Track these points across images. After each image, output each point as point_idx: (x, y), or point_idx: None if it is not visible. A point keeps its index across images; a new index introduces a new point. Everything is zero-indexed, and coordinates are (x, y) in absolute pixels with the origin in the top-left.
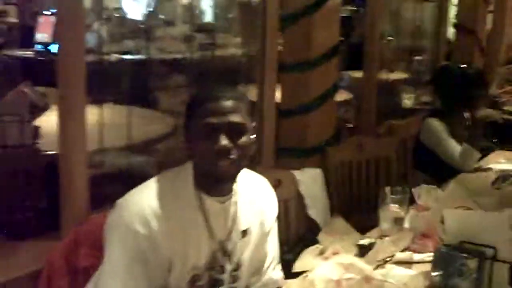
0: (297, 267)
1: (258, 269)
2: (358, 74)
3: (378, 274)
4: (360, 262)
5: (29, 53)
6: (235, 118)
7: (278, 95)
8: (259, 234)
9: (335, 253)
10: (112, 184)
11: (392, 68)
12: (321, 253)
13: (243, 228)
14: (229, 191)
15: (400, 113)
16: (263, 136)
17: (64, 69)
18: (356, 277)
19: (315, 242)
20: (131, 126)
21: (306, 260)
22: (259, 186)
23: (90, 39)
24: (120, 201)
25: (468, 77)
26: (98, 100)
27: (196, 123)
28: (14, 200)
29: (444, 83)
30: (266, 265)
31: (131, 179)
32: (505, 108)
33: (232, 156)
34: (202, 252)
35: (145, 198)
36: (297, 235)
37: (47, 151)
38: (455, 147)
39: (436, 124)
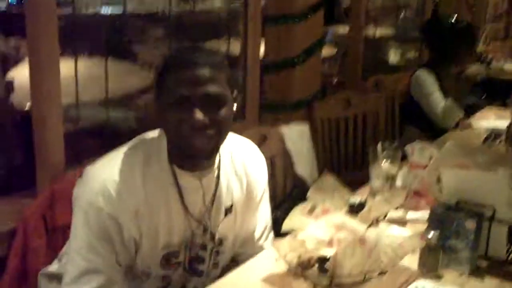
0: (286, 226)
1: (246, 240)
2: (344, 29)
3: (371, 234)
4: (352, 222)
5: (0, 5)
6: (212, 88)
7: (262, 49)
8: (245, 207)
9: (325, 211)
10: (89, 140)
11: (378, 24)
12: (311, 211)
13: (226, 205)
14: (208, 166)
15: (387, 69)
16: (247, 91)
17: (34, 19)
18: (348, 237)
19: (303, 198)
20: (108, 79)
21: (295, 218)
22: (246, 153)
23: None
24: (87, 171)
25: (458, 31)
26: (73, 53)
27: (168, 93)
28: None
29: (434, 36)
30: (257, 235)
31: (108, 135)
32: (492, 65)
33: (209, 132)
34: (176, 230)
35: (111, 171)
36: (284, 192)
37: (20, 105)
38: (439, 102)
39: (426, 76)
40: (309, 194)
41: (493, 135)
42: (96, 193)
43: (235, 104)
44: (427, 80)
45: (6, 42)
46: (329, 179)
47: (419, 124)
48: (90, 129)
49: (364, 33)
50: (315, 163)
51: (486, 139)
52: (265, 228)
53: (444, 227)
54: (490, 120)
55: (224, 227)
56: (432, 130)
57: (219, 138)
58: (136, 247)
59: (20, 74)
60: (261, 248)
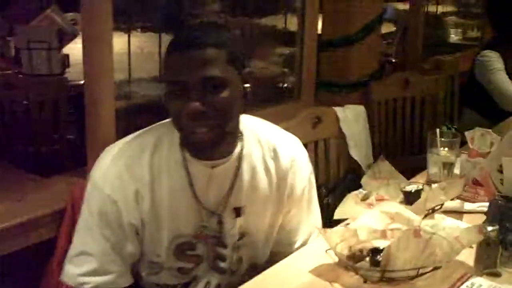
0: (338, 214)
1: (281, 241)
2: (404, 6)
3: (427, 225)
4: (407, 211)
5: None
6: (211, 71)
7: (319, 25)
8: (274, 203)
9: (379, 200)
10: (141, 117)
11: (440, 1)
12: (365, 199)
13: (246, 195)
14: (223, 154)
15: (447, 48)
16: (303, 70)
17: None
18: (403, 228)
19: (356, 184)
20: (161, 55)
21: (348, 206)
22: (281, 145)
23: None
24: (101, 154)
25: None
26: (128, 28)
27: (166, 79)
28: (41, 132)
29: (498, 14)
30: (298, 241)
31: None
32: None
33: (208, 121)
34: (185, 219)
35: (119, 152)
36: (337, 176)
37: (76, 81)
38: (507, 83)
39: (491, 56)
40: (363, 180)
41: None
42: (101, 173)
43: (248, 85)
44: (493, 61)
45: (63, 16)
46: (385, 166)
47: (479, 107)
48: (142, 106)
49: (425, 10)
50: (370, 146)
51: None
52: (309, 235)
53: (505, 221)
54: None
55: (242, 223)
56: (492, 115)
57: (223, 125)
58: (139, 233)
59: (76, 49)
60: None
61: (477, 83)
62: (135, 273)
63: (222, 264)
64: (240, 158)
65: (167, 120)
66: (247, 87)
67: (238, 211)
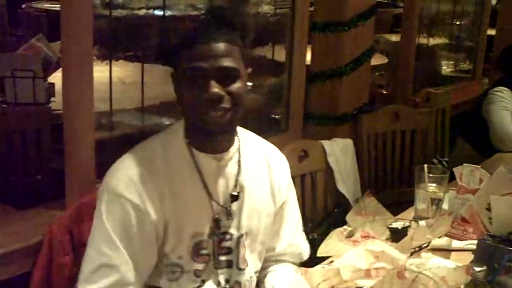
0: (321, 251)
1: (270, 245)
2: (396, 37)
3: (412, 264)
4: (392, 250)
5: (57, 6)
6: (227, 62)
7: (308, 57)
8: (267, 201)
9: (365, 237)
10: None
11: (432, 33)
12: (350, 235)
13: (248, 189)
14: (226, 147)
15: (439, 80)
16: (291, 102)
17: (68, 21)
18: (387, 267)
19: (343, 219)
20: (147, 85)
21: (332, 243)
22: (268, 150)
23: None
24: (112, 166)
25: None
26: (109, 56)
27: (184, 67)
28: (23, 162)
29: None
30: (289, 236)
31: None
32: None
33: (224, 105)
34: (204, 217)
35: (133, 160)
36: (325, 211)
37: (61, 110)
38: (508, 123)
39: (505, 94)
40: (348, 217)
41: None
42: (119, 180)
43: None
44: (505, 99)
45: (50, 45)
46: (371, 201)
47: (474, 140)
48: (124, 138)
49: (416, 42)
50: (358, 180)
51: None
52: (296, 227)
53: (493, 261)
54: None
55: (247, 213)
56: (485, 149)
57: (235, 111)
58: (158, 239)
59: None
60: (297, 249)
61: (479, 116)
62: None
63: (228, 257)
64: (239, 153)
65: (161, 132)
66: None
67: (236, 197)
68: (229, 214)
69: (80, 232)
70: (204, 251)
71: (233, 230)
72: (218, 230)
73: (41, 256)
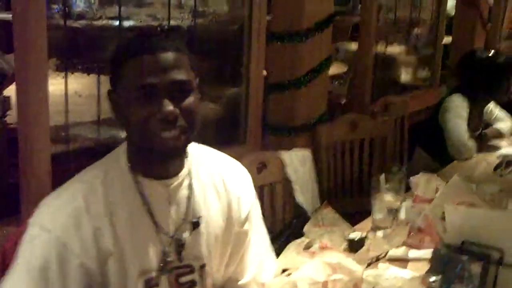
0: (280, 263)
1: (235, 277)
2: (355, 45)
3: (369, 275)
4: (349, 262)
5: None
6: (178, 75)
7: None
8: (225, 225)
9: (322, 248)
10: (79, 163)
11: (389, 42)
12: (308, 247)
13: (202, 215)
14: (176, 171)
15: (398, 89)
16: (249, 113)
17: (21, 32)
18: (344, 279)
19: (302, 230)
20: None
21: (289, 256)
22: (224, 167)
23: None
24: (46, 199)
25: (499, 68)
26: (65, 69)
27: (128, 84)
28: None
29: (472, 70)
30: (254, 268)
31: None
32: None
33: (179, 124)
34: (151, 250)
35: (67, 196)
36: (284, 222)
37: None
38: (463, 131)
39: (460, 102)
40: (306, 228)
41: (505, 162)
42: (50, 216)
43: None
44: (459, 107)
45: (5, 58)
46: (328, 212)
47: (431, 149)
48: (81, 151)
49: (374, 51)
50: (316, 191)
51: (497, 166)
52: (260, 262)
53: (447, 270)
54: (501, 146)
55: (203, 242)
56: (443, 158)
57: (190, 130)
58: (100, 280)
59: None
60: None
61: (436, 124)
62: None
63: None
64: (190, 176)
65: (100, 160)
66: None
67: (196, 224)
68: (181, 245)
69: None
70: None
71: (193, 261)
72: (168, 264)
73: None
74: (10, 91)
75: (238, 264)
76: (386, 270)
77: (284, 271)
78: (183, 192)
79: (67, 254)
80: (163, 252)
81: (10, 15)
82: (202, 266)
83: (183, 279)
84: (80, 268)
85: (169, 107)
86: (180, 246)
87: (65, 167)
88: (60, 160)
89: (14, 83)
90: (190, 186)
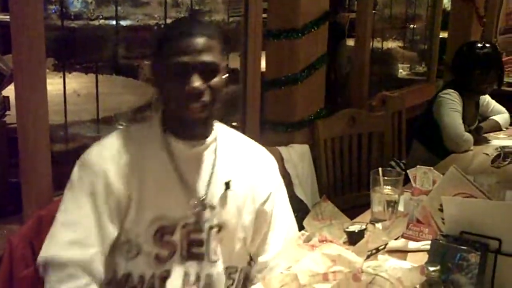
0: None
1: (260, 252)
2: (353, 41)
3: (369, 267)
4: (349, 254)
5: (7, 18)
6: (208, 57)
7: (263, 64)
8: (247, 197)
9: (322, 241)
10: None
11: (386, 37)
12: (307, 240)
13: (225, 179)
14: (203, 136)
15: (394, 84)
16: (247, 109)
17: (19, 32)
18: (344, 270)
19: (302, 224)
20: (102, 96)
21: (289, 248)
22: (251, 147)
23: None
24: (91, 147)
25: (489, 58)
26: (63, 68)
27: (166, 62)
28: None
29: (461, 61)
30: (278, 245)
31: None
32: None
33: (204, 99)
34: (173, 203)
35: (108, 141)
36: None
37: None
38: (459, 124)
39: (454, 96)
40: (305, 222)
41: (503, 154)
42: (96, 153)
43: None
44: (454, 101)
45: (2, 58)
46: (327, 206)
47: (429, 143)
48: (81, 150)
49: (370, 46)
50: (315, 185)
51: (495, 158)
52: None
53: (446, 260)
54: (499, 137)
55: (225, 206)
56: (440, 152)
57: (213, 104)
58: (122, 212)
59: None
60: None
61: (432, 119)
62: (112, 269)
63: (199, 250)
64: (216, 144)
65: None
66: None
67: (227, 185)
68: (204, 204)
69: (41, 243)
70: (168, 238)
71: (205, 222)
72: (187, 219)
73: (2, 270)
74: (9, 91)
75: (261, 242)
76: (385, 262)
77: None
78: (209, 156)
79: (110, 183)
80: (189, 208)
81: (7, 16)
82: (211, 228)
83: (193, 236)
84: (117, 198)
85: (196, 83)
86: (205, 205)
87: (64, 166)
88: (59, 159)
89: (12, 83)
90: (214, 152)
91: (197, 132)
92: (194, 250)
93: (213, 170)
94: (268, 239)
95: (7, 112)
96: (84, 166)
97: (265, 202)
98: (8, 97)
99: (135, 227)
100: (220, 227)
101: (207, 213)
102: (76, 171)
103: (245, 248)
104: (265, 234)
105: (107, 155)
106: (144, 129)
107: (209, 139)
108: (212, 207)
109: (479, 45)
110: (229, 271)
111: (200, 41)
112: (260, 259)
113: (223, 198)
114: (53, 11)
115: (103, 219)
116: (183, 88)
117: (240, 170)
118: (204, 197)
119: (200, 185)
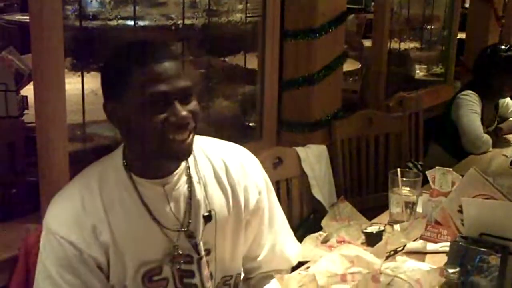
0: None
1: (252, 254)
2: (369, 43)
3: (388, 268)
4: (367, 254)
5: (27, 18)
6: (185, 82)
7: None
8: (235, 218)
9: (340, 241)
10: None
11: (403, 38)
12: (325, 241)
13: (204, 212)
14: (171, 170)
15: (412, 85)
16: (264, 109)
17: (38, 33)
18: (363, 271)
19: (319, 225)
20: None
21: (308, 248)
22: (227, 156)
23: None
24: (52, 200)
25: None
26: (86, 68)
27: (137, 93)
28: None
29: (485, 64)
30: (271, 241)
31: None
32: None
33: (190, 126)
34: (152, 245)
35: (69, 195)
36: (300, 217)
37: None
38: (478, 126)
39: (473, 97)
40: (323, 222)
41: None
42: (53, 218)
43: None
44: (473, 102)
45: (21, 58)
46: (345, 206)
47: (446, 144)
48: (98, 149)
49: (388, 47)
50: (333, 186)
51: None
52: (273, 246)
53: (466, 262)
54: None
55: (207, 235)
56: (458, 153)
57: (195, 131)
58: (103, 268)
59: None
60: (282, 257)
61: (450, 120)
62: None
63: (193, 281)
64: (188, 172)
65: (95, 164)
66: None
67: (208, 218)
68: (189, 236)
69: None
70: (158, 277)
71: (192, 253)
72: (177, 256)
73: (18, 269)
74: (27, 91)
75: (253, 243)
76: (404, 263)
77: (302, 264)
78: (181, 189)
79: (77, 249)
80: (172, 245)
81: (26, 17)
82: (200, 258)
83: (183, 267)
84: (92, 257)
85: (182, 112)
86: (189, 236)
87: (82, 165)
88: (77, 158)
89: (31, 82)
90: (189, 181)
91: (165, 167)
92: (186, 281)
93: (191, 201)
94: (262, 240)
95: (26, 111)
96: (49, 234)
97: (254, 210)
98: (26, 96)
99: (120, 279)
100: (209, 250)
101: (191, 245)
102: (42, 239)
103: (238, 256)
104: (257, 236)
105: (69, 220)
106: (107, 172)
107: (178, 171)
108: (195, 238)
109: (503, 47)
110: (224, 280)
111: (171, 65)
112: (252, 260)
113: (205, 227)
114: (71, 11)
115: (86, 286)
116: (167, 120)
117: (221, 191)
118: (185, 230)
119: (178, 221)
